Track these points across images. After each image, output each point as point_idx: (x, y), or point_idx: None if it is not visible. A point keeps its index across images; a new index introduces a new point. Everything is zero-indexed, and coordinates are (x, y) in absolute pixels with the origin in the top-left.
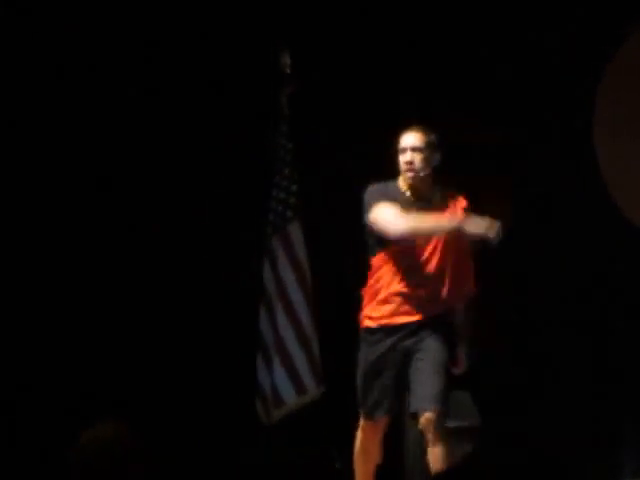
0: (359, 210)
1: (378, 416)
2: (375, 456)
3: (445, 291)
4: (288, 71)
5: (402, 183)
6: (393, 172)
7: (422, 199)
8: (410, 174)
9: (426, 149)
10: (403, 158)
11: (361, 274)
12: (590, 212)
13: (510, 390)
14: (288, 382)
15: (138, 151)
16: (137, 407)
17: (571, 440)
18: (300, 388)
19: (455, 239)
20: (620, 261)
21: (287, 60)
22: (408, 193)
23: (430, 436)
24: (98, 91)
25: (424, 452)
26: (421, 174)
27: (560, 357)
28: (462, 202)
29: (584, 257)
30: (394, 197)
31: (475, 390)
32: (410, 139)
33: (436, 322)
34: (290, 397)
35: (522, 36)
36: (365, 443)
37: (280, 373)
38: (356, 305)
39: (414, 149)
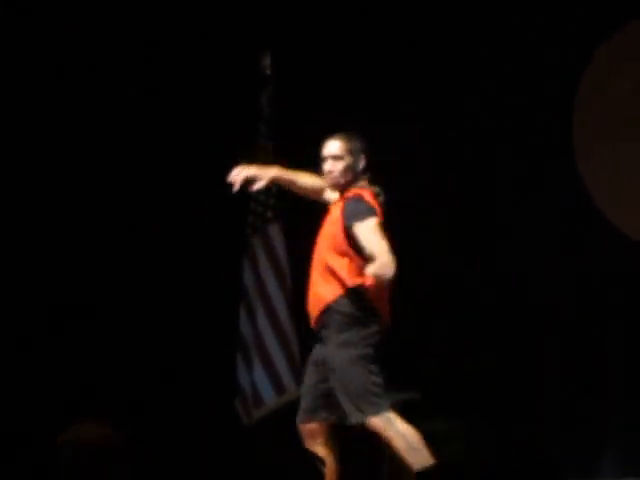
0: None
1: (303, 425)
2: (327, 462)
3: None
4: (268, 72)
5: None
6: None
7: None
8: (330, 182)
9: (347, 156)
10: (324, 166)
11: None
12: (572, 215)
13: (493, 390)
14: (268, 382)
15: (117, 151)
16: (118, 407)
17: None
18: (280, 388)
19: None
20: (605, 266)
21: (267, 61)
22: (335, 199)
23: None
24: (74, 91)
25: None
26: (341, 181)
27: (542, 357)
28: (343, 200)
29: (567, 262)
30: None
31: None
32: (329, 147)
33: (331, 326)
34: (270, 397)
35: (503, 35)
36: None
37: (260, 373)
38: None
39: (334, 157)
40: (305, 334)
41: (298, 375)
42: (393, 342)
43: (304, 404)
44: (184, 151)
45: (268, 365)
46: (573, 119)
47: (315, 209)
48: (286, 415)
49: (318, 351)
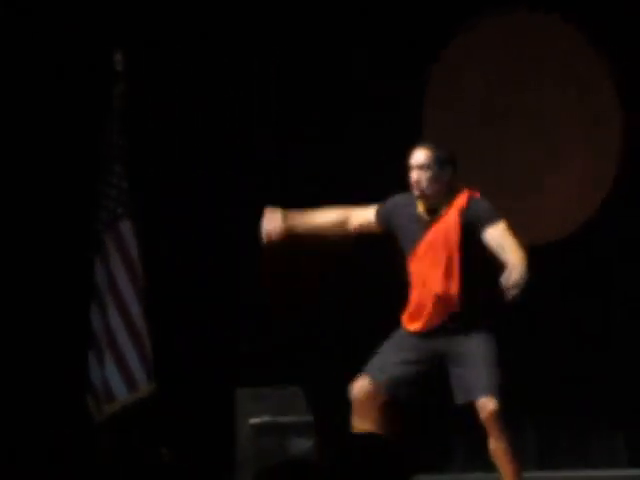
0: (195, 206)
1: (370, 379)
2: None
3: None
4: (120, 68)
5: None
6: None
7: (432, 214)
8: (417, 192)
9: (433, 166)
10: (410, 176)
11: (195, 269)
12: None
13: None
14: (119, 378)
15: None
16: None
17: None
18: (132, 384)
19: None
20: None
21: (119, 57)
22: (420, 210)
23: (492, 428)
24: None
25: (257, 448)
26: (427, 192)
27: None
28: (459, 204)
29: None
30: (407, 212)
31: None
32: (416, 157)
33: (470, 326)
34: (121, 393)
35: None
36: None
37: (111, 369)
38: (190, 300)
39: (420, 167)
40: (157, 330)
41: (150, 372)
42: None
43: (390, 375)
44: (37, 148)
45: (120, 361)
46: (423, 118)
47: (168, 206)
48: (135, 411)
49: (436, 342)
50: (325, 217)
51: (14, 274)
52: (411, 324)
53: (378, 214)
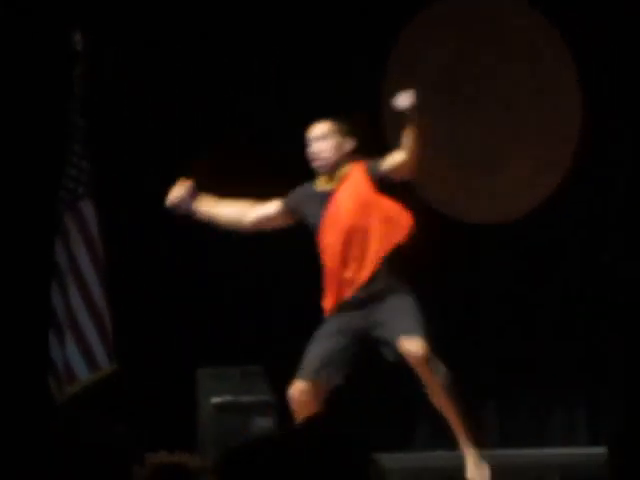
0: (155, 186)
1: (304, 379)
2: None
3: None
4: (79, 48)
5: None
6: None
7: (333, 181)
8: (318, 165)
9: (331, 137)
10: (310, 150)
11: (156, 249)
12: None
13: None
14: (80, 358)
15: None
16: None
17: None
18: (93, 364)
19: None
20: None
21: (78, 37)
22: (320, 185)
23: (422, 370)
24: None
25: (219, 427)
26: (330, 161)
27: None
28: (360, 166)
29: None
30: (309, 197)
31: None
32: (313, 130)
33: (388, 290)
34: (83, 373)
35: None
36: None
37: (72, 349)
38: (151, 280)
39: (317, 139)
40: (119, 311)
41: (111, 352)
42: None
43: (313, 366)
44: None
45: (81, 341)
46: (382, 104)
47: (127, 185)
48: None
49: (355, 317)
50: (226, 209)
51: None
52: (329, 300)
53: (286, 204)
